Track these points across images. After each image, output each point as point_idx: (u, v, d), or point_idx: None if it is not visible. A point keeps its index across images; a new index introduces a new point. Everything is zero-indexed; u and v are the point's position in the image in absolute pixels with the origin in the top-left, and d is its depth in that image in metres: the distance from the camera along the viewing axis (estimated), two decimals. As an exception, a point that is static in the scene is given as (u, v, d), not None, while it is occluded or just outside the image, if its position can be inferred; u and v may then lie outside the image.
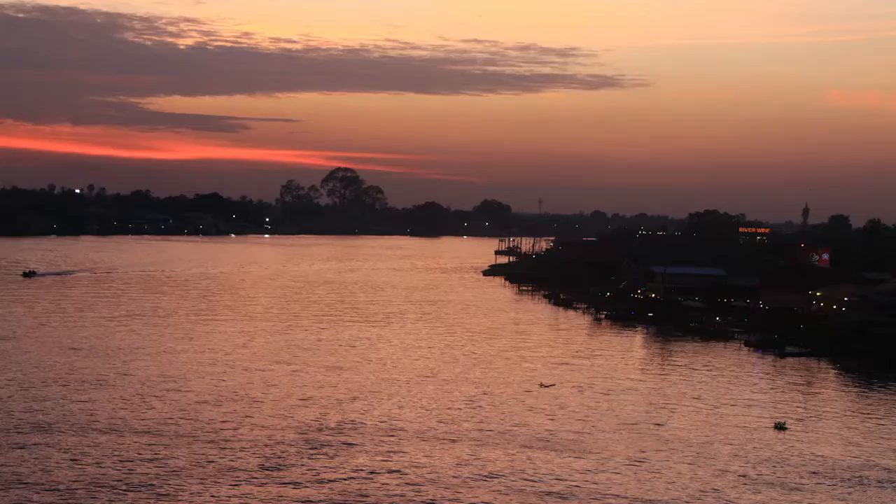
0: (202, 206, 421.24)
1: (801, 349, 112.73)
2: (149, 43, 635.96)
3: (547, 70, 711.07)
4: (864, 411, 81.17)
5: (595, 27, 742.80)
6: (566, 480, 56.75)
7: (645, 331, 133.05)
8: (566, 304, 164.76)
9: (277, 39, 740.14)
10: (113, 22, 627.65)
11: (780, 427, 72.46)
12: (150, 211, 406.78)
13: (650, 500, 53.96)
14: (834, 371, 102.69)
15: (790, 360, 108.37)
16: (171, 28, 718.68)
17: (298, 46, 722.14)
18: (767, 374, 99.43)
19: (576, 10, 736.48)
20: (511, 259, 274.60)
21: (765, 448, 66.60)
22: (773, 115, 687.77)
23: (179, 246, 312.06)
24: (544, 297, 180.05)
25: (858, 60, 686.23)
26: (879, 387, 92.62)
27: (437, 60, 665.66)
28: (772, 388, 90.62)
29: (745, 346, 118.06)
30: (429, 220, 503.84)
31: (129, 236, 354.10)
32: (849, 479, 59.75)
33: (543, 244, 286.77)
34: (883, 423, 76.81)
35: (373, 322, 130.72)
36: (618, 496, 54.33)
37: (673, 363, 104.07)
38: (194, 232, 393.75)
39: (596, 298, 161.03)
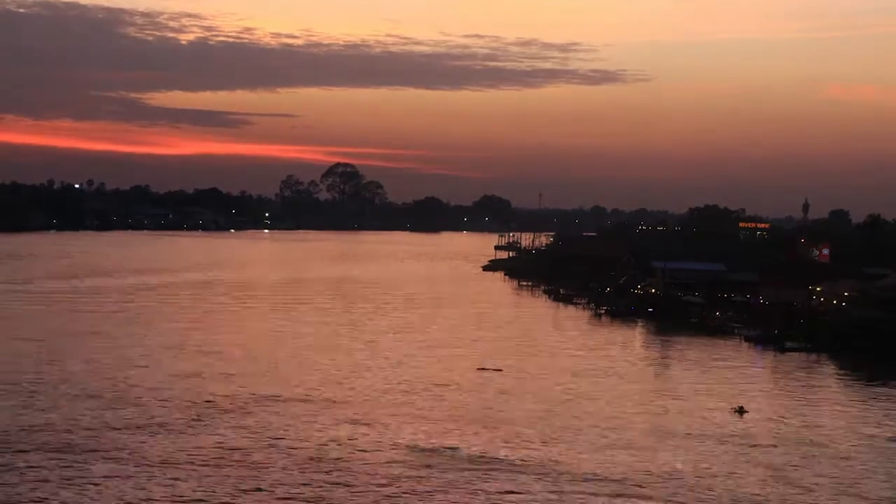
0: (201, 201, 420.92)
1: (801, 344, 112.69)
2: (150, 38, 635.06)
3: (548, 65, 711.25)
4: (863, 405, 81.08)
5: (596, 22, 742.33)
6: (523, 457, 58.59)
7: (644, 326, 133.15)
8: (566, 300, 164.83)
9: (279, 34, 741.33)
10: (114, 17, 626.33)
11: (739, 412, 74.33)
12: (150, 206, 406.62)
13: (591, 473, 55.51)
14: (833, 366, 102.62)
15: (790, 355, 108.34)
16: (172, 23, 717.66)
17: (300, 41, 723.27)
18: (749, 365, 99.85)
19: (577, 5, 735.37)
20: (511, 254, 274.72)
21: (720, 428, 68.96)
22: (773, 109, 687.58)
23: (187, 242, 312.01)
24: (544, 292, 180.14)
25: (859, 55, 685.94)
26: (878, 383, 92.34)
27: (439, 56, 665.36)
28: (761, 380, 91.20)
29: (745, 341, 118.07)
30: (428, 215, 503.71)
31: (129, 231, 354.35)
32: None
33: (543, 239, 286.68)
34: (877, 414, 76.90)
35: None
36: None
37: (671, 358, 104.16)
38: (194, 227, 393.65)
39: (596, 294, 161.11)
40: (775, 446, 64.77)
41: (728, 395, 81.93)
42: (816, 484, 56.69)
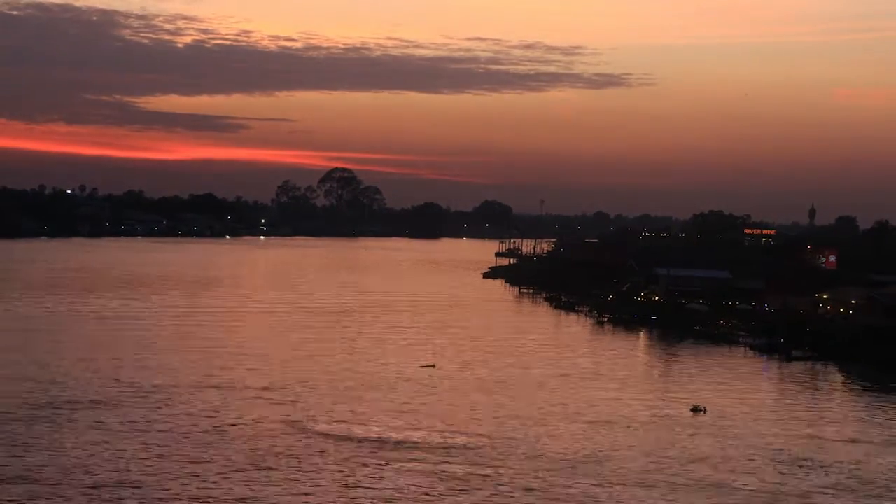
0: (196, 207, 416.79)
1: (808, 353, 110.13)
2: (146, 41, 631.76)
3: (552, 69, 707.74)
4: (870, 415, 78.66)
5: (600, 26, 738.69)
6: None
7: (648, 334, 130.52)
8: (568, 308, 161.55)
9: (277, 38, 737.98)
10: (109, 19, 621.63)
11: (696, 410, 76.56)
12: (143, 212, 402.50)
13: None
14: (840, 375, 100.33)
15: (796, 364, 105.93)
16: (168, 26, 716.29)
17: (298, 45, 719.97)
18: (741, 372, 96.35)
19: (581, 8, 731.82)
20: (511, 261, 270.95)
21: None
22: (779, 114, 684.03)
23: (195, 249, 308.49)
24: (546, 300, 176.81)
25: (866, 59, 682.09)
26: (884, 392, 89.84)
27: (440, 59, 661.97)
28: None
29: (751, 349, 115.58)
30: (428, 221, 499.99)
31: (122, 238, 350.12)
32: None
33: (545, 246, 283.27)
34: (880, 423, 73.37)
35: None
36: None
37: (674, 368, 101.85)
38: (188, 233, 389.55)
39: (598, 301, 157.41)
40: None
41: (701, 393, 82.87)
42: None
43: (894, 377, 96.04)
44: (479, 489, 53.90)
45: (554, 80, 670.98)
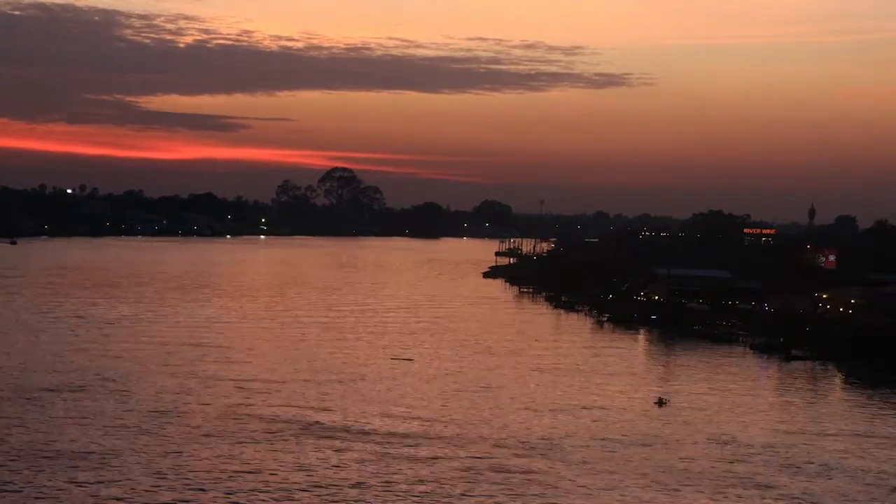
0: (196, 207, 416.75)
1: (807, 353, 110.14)
2: (147, 41, 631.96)
3: (553, 69, 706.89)
4: (871, 414, 78.70)
5: (601, 26, 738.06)
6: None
7: (647, 333, 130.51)
8: (568, 307, 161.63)
9: (278, 37, 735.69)
10: (110, 19, 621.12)
11: (660, 403, 79.02)
12: (144, 211, 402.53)
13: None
14: (839, 375, 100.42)
15: (796, 363, 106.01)
16: (169, 26, 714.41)
17: (300, 45, 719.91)
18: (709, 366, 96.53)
19: (582, 8, 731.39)
20: (511, 260, 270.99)
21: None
22: (779, 114, 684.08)
23: (210, 249, 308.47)
24: (546, 299, 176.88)
25: (866, 59, 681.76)
26: (884, 391, 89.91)
27: (441, 59, 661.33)
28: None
29: (751, 349, 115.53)
30: (428, 220, 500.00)
31: (122, 237, 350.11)
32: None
33: (545, 245, 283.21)
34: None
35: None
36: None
37: (658, 364, 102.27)
38: (188, 233, 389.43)
39: (598, 301, 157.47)
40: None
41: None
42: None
43: (892, 376, 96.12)
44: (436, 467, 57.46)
45: (555, 79, 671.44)
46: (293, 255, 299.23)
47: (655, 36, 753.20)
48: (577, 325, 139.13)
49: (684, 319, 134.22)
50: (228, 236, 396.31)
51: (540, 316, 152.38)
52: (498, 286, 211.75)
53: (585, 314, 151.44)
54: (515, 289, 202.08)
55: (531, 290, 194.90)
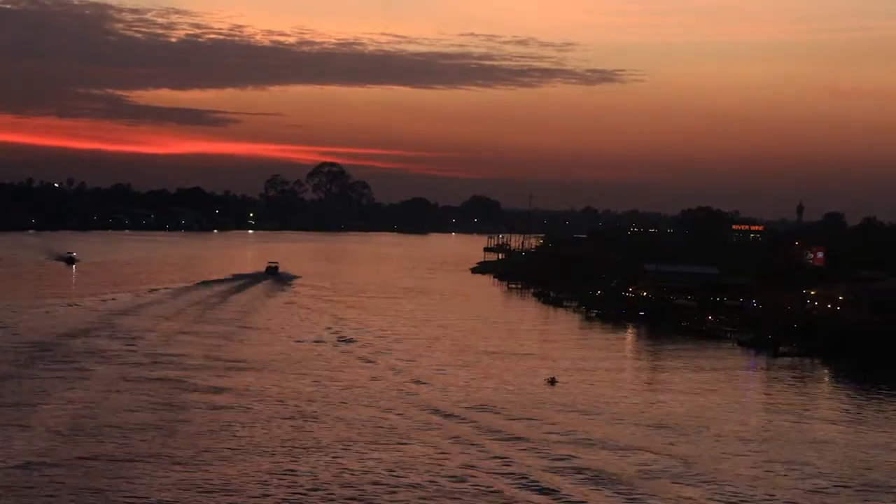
0: (184, 201, 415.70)
1: (795, 349, 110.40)
2: (139, 35, 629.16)
3: (545, 65, 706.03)
4: (858, 410, 78.85)
5: (593, 22, 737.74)
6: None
7: (635, 330, 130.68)
8: (556, 303, 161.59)
9: (270, 32, 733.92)
10: (101, 13, 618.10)
11: (552, 382, 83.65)
12: (131, 205, 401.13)
13: None
14: (827, 371, 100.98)
15: (783, 359, 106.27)
16: (161, 20, 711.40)
17: (292, 40, 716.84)
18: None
19: (574, 4, 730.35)
20: (500, 256, 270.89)
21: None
22: (768, 111, 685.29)
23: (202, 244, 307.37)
24: (534, 295, 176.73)
25: (854, 58, 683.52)
26: (870, 388, 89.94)
27: (433, 55, 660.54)
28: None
29: (738, 345, 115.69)
30: (416, 215, 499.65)
31: (110, 231, 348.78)
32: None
33: (533, 241, 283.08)
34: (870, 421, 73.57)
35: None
36: None
37: (659, 362, 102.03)
38: (176, 227, 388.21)
39: (586, 297, 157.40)
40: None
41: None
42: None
43: (879, 372, 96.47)
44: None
45: (546, 75, 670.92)
46: (290, 250, 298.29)
47: (647, 33, 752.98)
48: (566, 320, 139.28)
49: (672, 316, 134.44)
50: (216, 231, 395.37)
51: (530, 311, 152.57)
52: (486, 282, 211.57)
53: (574, 310, 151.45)
54: (504, 285, 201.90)
55: (520, 286, 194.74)
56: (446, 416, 68.92)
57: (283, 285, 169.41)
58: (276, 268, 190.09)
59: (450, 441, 61.59)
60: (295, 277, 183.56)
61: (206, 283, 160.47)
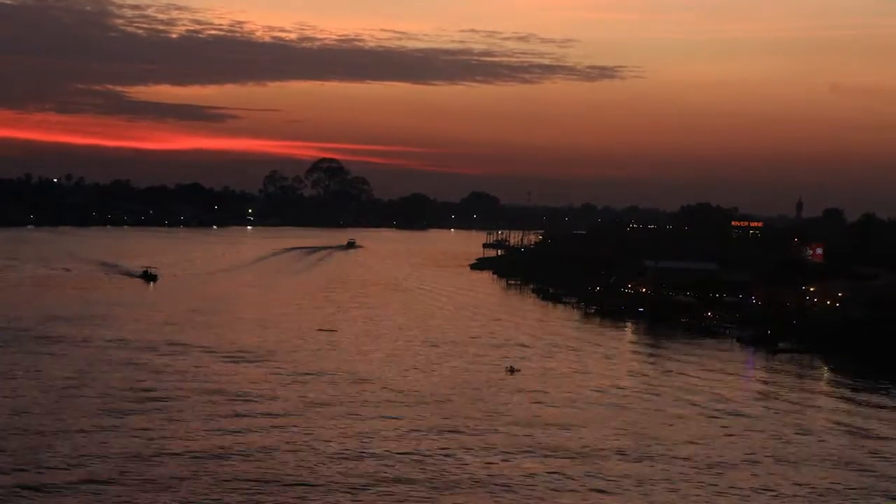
0: (183, 197, 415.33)
1: (794, 345, 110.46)
2: (139, 31, 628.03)
3: (545, 61, 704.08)
4: (858, 408, 78.71)
5: (594, 18, 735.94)
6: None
7: (634, 326, 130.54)
8: (555, 299, 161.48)
9: (271, 28, 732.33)
10: (102, 9, 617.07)
11: (511, 370, 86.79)
12: (130, 201, 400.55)
13: None
14: (826, 367, 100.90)
15: (782, 356, 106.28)
16: (161, 16, 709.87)
17: (292, 36, 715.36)
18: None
19: (575, 1, 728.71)
20: (499, 252, 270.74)
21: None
22: (768, 108, 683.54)
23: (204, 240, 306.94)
24: (533, 291, 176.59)
25: (854, 55, 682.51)
26: (869, 384, 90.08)
27: (434, 51, 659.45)
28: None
29: (738, 341, 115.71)
30: (415, 211, 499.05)
31: (108, 227, 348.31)
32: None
33: (532, 237, 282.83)
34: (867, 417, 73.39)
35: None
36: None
37: (658, 358, 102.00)
38: (175, 223, 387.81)
39: (585, 293, 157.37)
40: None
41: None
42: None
43: (875, 368, 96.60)
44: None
45: (547, 72, 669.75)
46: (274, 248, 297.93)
47: (648, 30, 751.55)
48: (564, 316, 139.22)
49: (672, 312, 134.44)
50: (215, 227, 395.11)
51: (527, 308, 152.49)
52: (486, 279, 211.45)
53: (573, 306, 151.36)
54: (503, 281, 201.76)
55: (519, 282, 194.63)
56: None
57: None
58: None
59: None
60: None
61: None
